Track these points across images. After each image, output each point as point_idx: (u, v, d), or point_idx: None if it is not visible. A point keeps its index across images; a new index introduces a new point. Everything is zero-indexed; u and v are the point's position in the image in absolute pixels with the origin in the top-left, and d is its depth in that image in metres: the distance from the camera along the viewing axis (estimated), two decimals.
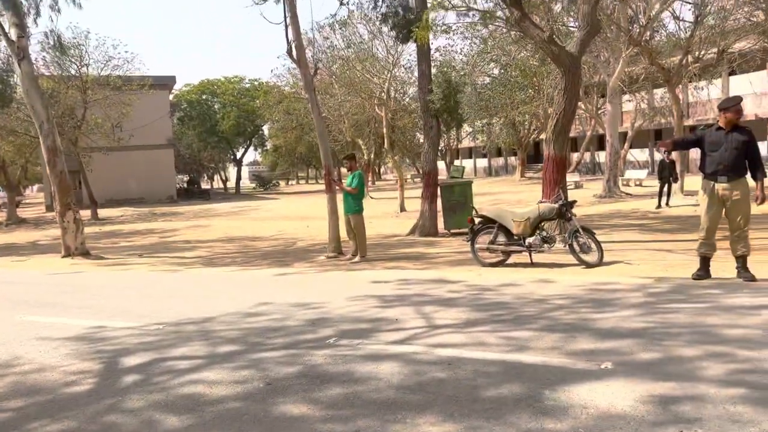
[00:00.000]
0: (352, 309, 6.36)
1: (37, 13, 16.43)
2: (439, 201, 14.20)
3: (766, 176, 6.68)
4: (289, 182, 75.43)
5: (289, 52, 11.59)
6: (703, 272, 6.94)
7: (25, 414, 3.92)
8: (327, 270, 9.66)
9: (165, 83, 38.72)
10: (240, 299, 7.23)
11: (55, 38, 19.00)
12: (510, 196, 26.25)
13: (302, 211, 24.86)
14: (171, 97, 44.62)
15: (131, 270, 11.22)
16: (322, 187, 12.08)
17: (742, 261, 6.79)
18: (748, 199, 6.69)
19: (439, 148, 31.28)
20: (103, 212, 29.07)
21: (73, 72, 27.44)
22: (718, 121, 6.90)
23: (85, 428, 3.63)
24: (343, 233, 11.07)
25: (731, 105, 6.78)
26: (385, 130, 25.93)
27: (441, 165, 39.38)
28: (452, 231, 13.89)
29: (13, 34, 13.06)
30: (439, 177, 14.99)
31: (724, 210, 6.78)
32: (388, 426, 3.36)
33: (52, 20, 35.25)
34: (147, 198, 37.48)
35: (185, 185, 48.26)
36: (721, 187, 6.68)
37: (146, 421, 3.68)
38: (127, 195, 37.00)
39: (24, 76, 13.25)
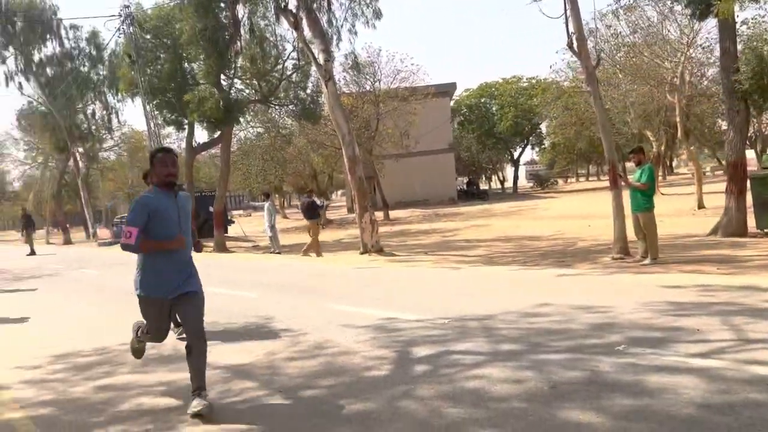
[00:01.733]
0: (643, 315, 5.86)
1: (339, 38, 18.68)
2: (749, 196, 12.33)
3: None
4: (568, 180, 73.12)
5: (570, 45, 11.21)
6: None
7: (335, 392, 4.45)
8: (612, 272, 9.08)
9: (446, 90, 40.71)
10: (520, 298, 7.21)
11: (353, 59, 21.37)
12: None
13: (582, 210, 23.86)
14: (452, 103, 46.75)
15: (418, 266, 12.02)
16: (604, 184, 11.41)
17: None
18: None
19: (748, 134, 27.18)
20: (393, 213, 31.77)
21: (368, 88, 30.54)
22: None
23: (382, 411, 3.98)
24: (630, 233, 10.29)
25: None
26: (678, 119, 23.45)
27: (750, 154, 34.21)
28: (766, 231, 11.95)
29: (321, 59, 15.03)
30: (748, 168, 13.01)
31: None
32: None
33: (350, 42, 39.83)
34: (430, 199, 39.82)
35: (465, 187, 50.12)
36: None
37: (435, 411, 3.88)
38: (412, 197, 39.79)
39: (330, 95, 15.15)
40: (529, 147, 57.66)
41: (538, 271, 9.82)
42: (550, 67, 68.23)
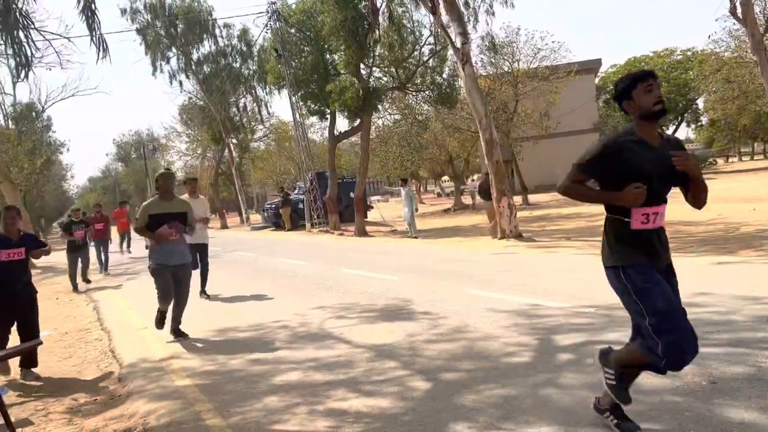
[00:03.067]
0: None
1: (476, 20, 18.43)
2: None
3: None
4: (729, 159, 66.80)
5: (733, 11, 10.20)
6: None
7: (474, 376, 4.45)
8: None
9: (590, 67, 38.71)
10: None
11: (490, 40, 20.98)
12: None
13: (746, 192, 21.69)
14: (597, 80, 44.40)
15: (560, 252, 11.62)
16: None
17: None
18: None
19: None
20: (532, 198, 30.93)
21: (506, 69, 29.82)
22: None
23: (524, 397, 3.92)
24: None
25: None
26: None
27: None
28: None
29: (458, 42, 14.91)
30: None
31: None
32: None
33: (487, 24, 39.17)
34: None
35: None
36: None
37: (581, 401, 3.76)
38: (554, 181, 37.97)
39: (467, 78, 15.01)
40: (683, 124, 53.37)
41: (695, 259, 9.11)
42: (709, 37, 62.35)
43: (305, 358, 5.44)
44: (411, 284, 8.83)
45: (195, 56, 34.93)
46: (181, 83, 35.63)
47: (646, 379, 3.96)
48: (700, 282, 6.96)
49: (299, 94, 23.46)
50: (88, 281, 14.25)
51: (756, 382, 3.70)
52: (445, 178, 41.82)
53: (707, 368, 4.03)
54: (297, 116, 25.03)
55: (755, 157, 66.10)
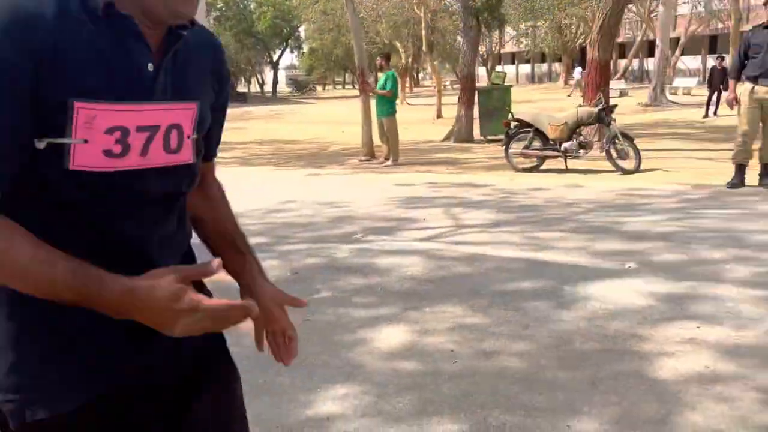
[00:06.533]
0: (379, 208, 6.42)
1: None
2: (476, 107, 13.88)
3: None
4: (326, 87, 74.53)
5: None
6: (738, 180, 6.65)
7: None
8: (358, 172, 9.70)
9: None
10: (270, 196, 7.36)
11: None
12: (552, 104, 25.52)
13: (338, 116, 24.71)
14: None
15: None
16: (358, 92, 11.90)
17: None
18: None
19: (480, 53, 30.22)
20: None
21: None
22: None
23: None
24: (377, 137, 10.99)
25: None
26: (423, 32, 25.06)
27: (482, 71, 38.23)
28: (488, 137, 13.65)
29: None
30: (478, 84, 14.53)
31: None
32: (409, 313, 3.47)
33: None
34: None
35: None
36: (762, 90, 6.33)
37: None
38: None
39: None
40: (288, 51, 57.06)
41: (291, 172, 10.07)
42: None
43: None
44: None
45: None
46: None
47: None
48: (292, 192, 7.76)
49: None
50: None
51: (327, 270, 4.37)
52: None
53: (290, 262, 4.58)
54: None
55: (346, 86, 75.16)
